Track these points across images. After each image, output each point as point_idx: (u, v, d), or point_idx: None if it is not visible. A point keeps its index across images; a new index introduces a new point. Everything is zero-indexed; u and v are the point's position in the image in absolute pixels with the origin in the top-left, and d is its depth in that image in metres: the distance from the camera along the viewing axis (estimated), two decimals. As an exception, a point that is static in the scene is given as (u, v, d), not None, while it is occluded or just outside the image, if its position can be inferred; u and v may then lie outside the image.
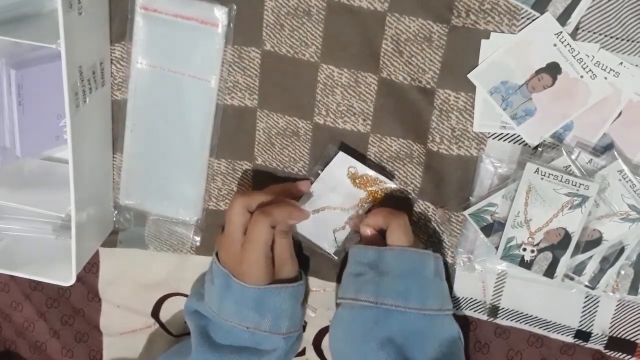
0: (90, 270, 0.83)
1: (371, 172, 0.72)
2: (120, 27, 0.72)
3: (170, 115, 0.74)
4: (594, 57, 0.65)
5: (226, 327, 0.70)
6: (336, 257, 0.74)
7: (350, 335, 0.68)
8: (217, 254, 0.72)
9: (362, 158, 0.73)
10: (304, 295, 0.73)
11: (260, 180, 0.76)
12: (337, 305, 0.71)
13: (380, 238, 0.71)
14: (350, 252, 0.71)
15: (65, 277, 0.70)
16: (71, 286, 0.71)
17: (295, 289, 0.70)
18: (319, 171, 0.73)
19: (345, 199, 0.73)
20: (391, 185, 0.72)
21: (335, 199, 0.73)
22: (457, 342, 0.69)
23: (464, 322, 0.76)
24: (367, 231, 0.70)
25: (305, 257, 0.77)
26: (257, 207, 0.69)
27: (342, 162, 0.72)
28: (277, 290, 0.69)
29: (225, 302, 0.69)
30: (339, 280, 0.77)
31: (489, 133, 0.69)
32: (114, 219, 0.79)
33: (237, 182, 0.77)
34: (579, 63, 0.65)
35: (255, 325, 0.69)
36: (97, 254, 0.81)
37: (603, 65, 0.65)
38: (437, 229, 0.73)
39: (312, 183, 0.73)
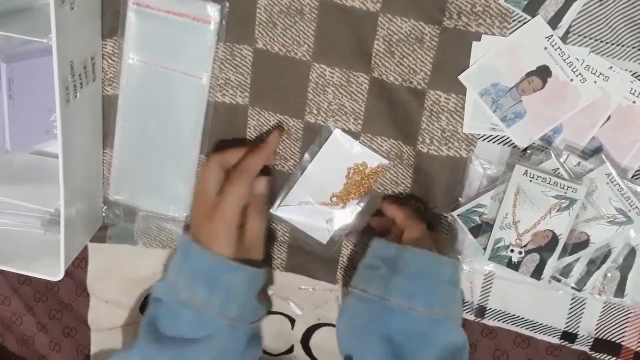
0: (78, 265, 0.83)
1: (367, 152, 0.72)
2: (112, 23, 0.72)
3: (161, 112, 0.74)
4: (584, 60, 0.65)
5: (174, 311, 0.69)
6: (328, 249, 0.75)
7: (355, 324, 0.68)
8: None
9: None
10: (261, 286, 0.72)
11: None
12: (350, 291, 0.70)
13: (384, 230, 0.71)
14: (371, 244, 0.70)
15: (54, 271, 0.70)
16: (59, 281, 0.71)
17: (252, 273, 0.69)
18: (315, 149, 0.73)
19: (336, 187, 0.74)
20: (385, 162, 0.72)
21: (327, 189, 0.74)
22: (461, 352, 0.67)
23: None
24: (376, 222, 0.72)
25: (295, 253, 0.77)
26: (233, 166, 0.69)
27: (339, 142, 0.72)
28: (233, 267, 0.67)
29: (181, 272, 0.69)
30: (329, 279, 0.77)
31: (478, 134, 0.70)
32: (103, 214, 0.79)
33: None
34: (569, 66, 0.65)
35: (203, 304, 0.67)
36: (85, 249, 0.81)
37: (593, 69, 0.65)
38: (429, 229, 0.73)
39: (281, 132, 0.73)
